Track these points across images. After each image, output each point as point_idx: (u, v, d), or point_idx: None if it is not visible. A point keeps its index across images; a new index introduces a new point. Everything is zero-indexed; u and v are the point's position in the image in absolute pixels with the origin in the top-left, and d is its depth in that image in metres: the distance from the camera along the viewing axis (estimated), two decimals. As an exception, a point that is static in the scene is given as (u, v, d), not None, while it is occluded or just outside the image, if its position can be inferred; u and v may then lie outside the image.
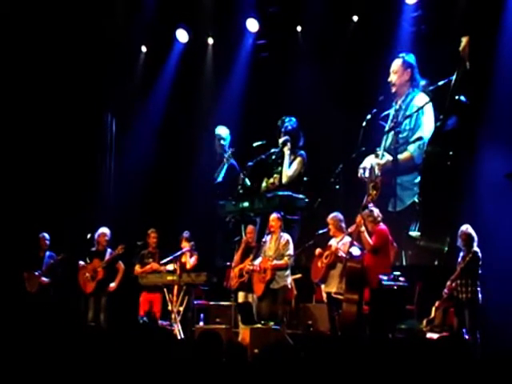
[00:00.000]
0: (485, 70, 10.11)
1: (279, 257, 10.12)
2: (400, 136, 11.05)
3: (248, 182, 12.10)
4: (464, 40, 10.35)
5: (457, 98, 10.46)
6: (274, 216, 10.31)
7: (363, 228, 9.14)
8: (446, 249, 10.39)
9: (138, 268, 11.31)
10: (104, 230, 11.35)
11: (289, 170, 11.61)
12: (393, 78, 11.14)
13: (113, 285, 11.13)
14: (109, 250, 11.23)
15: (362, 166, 11.14)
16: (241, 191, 11.89)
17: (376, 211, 9.36)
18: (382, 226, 9.38)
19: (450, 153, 10.57)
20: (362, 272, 9.08)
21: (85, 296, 11.14)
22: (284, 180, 11.62)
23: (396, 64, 11.11)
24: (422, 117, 10.93)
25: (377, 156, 11.14)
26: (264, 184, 12.00)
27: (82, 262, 11.27)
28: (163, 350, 5.09)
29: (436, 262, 10.60)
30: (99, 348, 5.20)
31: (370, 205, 9.34)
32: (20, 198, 12.52)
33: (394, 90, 11.16)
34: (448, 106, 10.58)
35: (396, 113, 11.17)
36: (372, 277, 9.06)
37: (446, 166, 10.57)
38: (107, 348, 5.20)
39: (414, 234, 10.84)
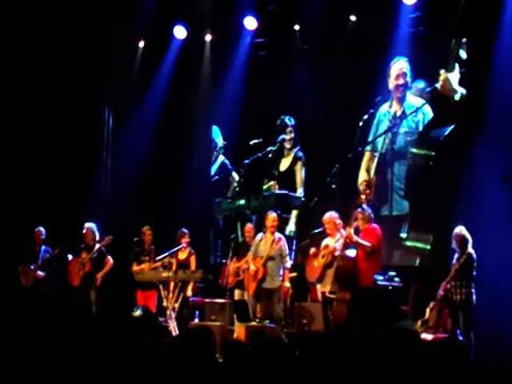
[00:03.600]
0: (481, 70, 10.13)
1: (278, 257, 10.13)
2: (399, 138, 11.07)
3: (237, 177, 12.22)
4: (442, 76, 10.37)
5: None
6: (274, 215, 10.31)
7: (355, 238, 9.15)
8: (429, 247, 10.46)
9: (134, 266, 11.32)
10: (90, 225, 11.37)
11: (300, 177, 11.77)
12: (402, 80, 11.05)
13: (99, 275, 11.08)
14: (97, 245, 11.26)
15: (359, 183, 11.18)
16: (237, 189, 11.95)
17: (369, 210, 9.39)
18: (375, 225, 9.44)
19: (432, 153, 10.59)
20: (354, 271, 9.12)
21: (72, 289, 11.14)
22: (299, 191, 11.75)
23: (404, 66, 11.01)
24: (426, 119, 10.92)
25: (373, 157, 11.20)
26: (265, 186, 12.11)
27: (70, 256, 11.29)
28: (155, 343, 5.12)
29: (417, 263, 10.65)
30: (91, 339, 5.22)
31: (364, 205, 9.38)
32: (16, 192, 12.51)
33: (401, 94, 11.08)
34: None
35: (395, 115, 11.16)
36: (366, 278, 9.12)
37: (428, 167, 10.61)
38: (100, 339, 5.21)
39: (404, 235, 10.89)
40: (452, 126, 10.43)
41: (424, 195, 10.64)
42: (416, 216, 10.76)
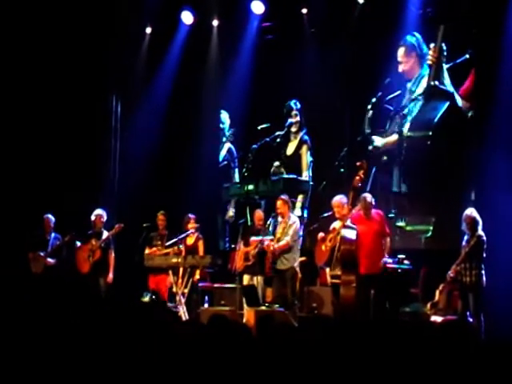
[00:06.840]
0: (490, 54, 10.03)
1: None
2: (407, 119, 11.00)
3: (237, 174, 12.32)
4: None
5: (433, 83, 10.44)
6: (278, 200, 10.27)
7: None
8: (432, 228, 10.40)
9: (147, 251, 11.35)
10: (100, 211, 11.40)
11: (306, 160, 11.70)
12: (400, 67, 11.04)
13: (110, 276, 11.16)
14: (105, 232, 11.28)
15: (375, 144, 11.08)
16: (245, 174, 11.92)
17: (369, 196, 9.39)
18: (378, 210, 9.44)
19: (429, 133, 10.50)
20: (356, 252, 9.13)
21: (81, 276, 11.18)
22: (304, 174, 11.69)
23: (400, 54, 11.01)
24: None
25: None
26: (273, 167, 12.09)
27: (79, 243, 11.32)
28: (168, 330, 5.10)
29: (422, 245, 10.61)
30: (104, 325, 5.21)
31: (359, 185, 9.40)
32: (25, 180, 12.54)
33: (406, 77, 11.07)
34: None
35: (405, 96, 11.11)
36: (377, 263, 9.13)
37: (426, 147, 10.52)
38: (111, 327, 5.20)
39: (401, 223, 10.83)
40: (446, 105, 10.36)
41: (423, 177, 10.58)
42: (416, 199, 10.71)
